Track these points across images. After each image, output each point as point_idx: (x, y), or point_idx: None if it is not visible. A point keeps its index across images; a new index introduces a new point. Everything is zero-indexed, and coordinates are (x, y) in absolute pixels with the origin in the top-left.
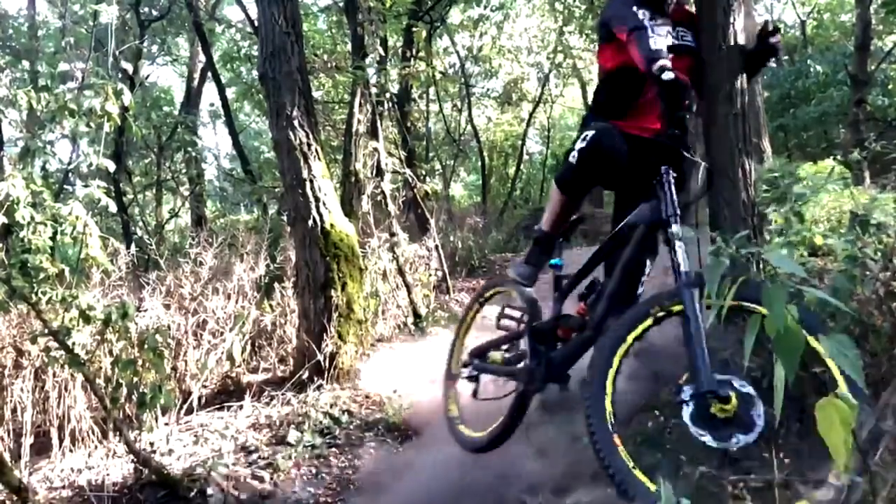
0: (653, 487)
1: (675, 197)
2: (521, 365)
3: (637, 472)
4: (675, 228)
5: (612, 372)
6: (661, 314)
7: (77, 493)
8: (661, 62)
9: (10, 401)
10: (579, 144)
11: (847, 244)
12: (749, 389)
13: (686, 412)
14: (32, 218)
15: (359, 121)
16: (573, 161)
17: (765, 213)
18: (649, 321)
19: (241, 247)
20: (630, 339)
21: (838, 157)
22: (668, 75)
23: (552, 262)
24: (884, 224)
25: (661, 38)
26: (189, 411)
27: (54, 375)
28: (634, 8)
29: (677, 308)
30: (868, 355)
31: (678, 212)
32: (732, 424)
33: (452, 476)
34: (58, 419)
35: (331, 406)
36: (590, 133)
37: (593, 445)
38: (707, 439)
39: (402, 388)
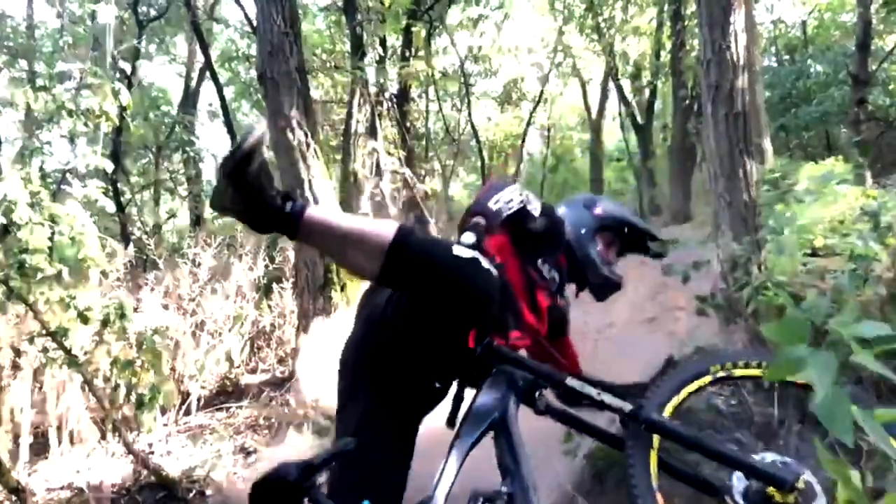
0: None
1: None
2: None
3: None
4: None
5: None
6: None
7: (75, 493)
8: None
9: (9, 401)
10: None
11: (856, 243)
12: (810, 478)
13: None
14: (30, 218)
15: (358, 121)
16: None
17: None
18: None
19: (240, 247)
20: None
21: (839, 157)
22: None
23: None
24: (892, 225)
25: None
26: (188, 412)
27: (52, 376)
28: None
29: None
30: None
31: None
32: None
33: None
34: (56, 420)
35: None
36: None
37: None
38: None
39: None
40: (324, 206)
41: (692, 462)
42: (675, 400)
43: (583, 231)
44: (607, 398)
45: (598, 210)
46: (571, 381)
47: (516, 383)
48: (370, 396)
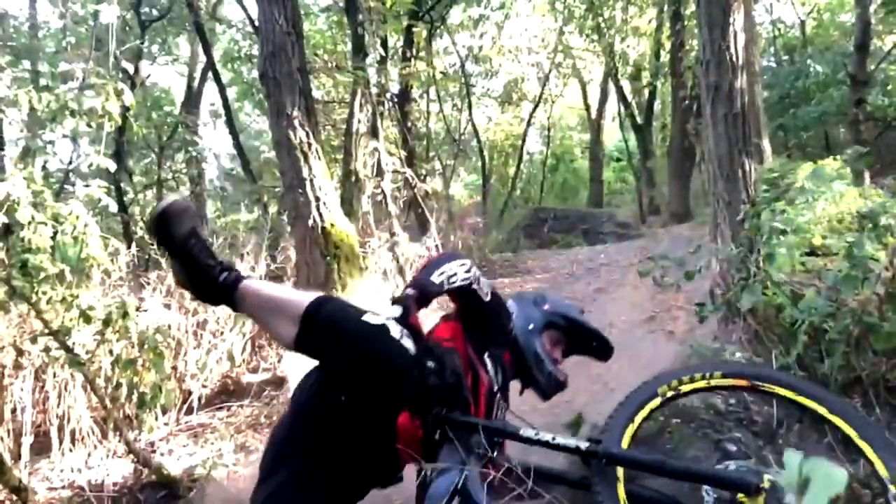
0: None
1: None
2: None
3: None
4: None
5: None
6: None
7: (77, 492)
8: None
9: (11, 401)
10: None
11: (851, 244)
12: (775, 477)
13: None
14: (33, 218)
15: (359, 120)
16: None
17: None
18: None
19: (242, 246)
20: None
21: (838, 156)
22: None
23: None
24: (891, 226)
25: None
26: (189, 411)
27: (54, 375)
28: None
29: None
30: (869, 355)
31: None
32: None
33: None
34: (58, 419)
35: None
36: None
37: None
38: None
39: None
40: (257, 279)
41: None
42: (631, 429)
43: (530, 327)
44: (563, 441)
45: (546, 307)
46: (526, 432)
47: (472, 448)
48: (296, 466)
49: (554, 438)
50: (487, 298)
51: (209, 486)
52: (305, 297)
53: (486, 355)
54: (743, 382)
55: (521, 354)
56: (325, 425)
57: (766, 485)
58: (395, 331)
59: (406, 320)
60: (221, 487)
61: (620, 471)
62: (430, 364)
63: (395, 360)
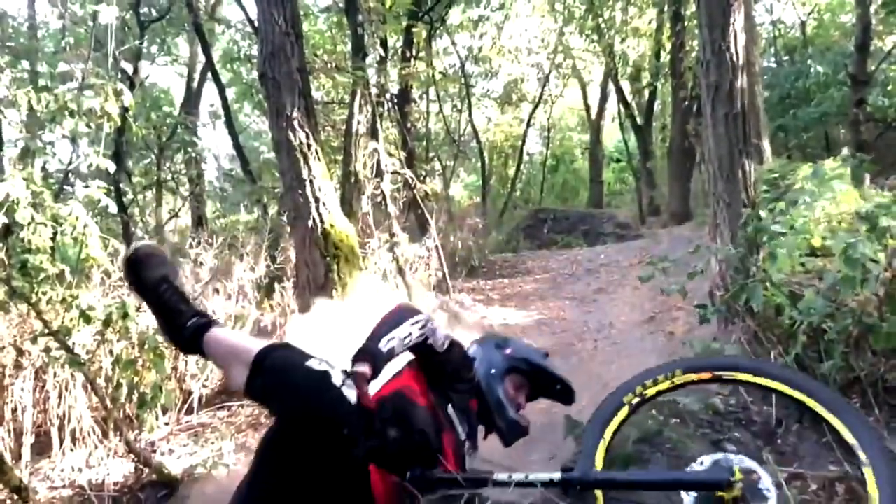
0: None
1: None
2: None
3: None
4: None
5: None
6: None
7: (77, 492)
8: None
9: (11, 401)
10: None
11: (847, 245)
12: (748, 463)
13: None
14: (33, 218)
15: (359, 121)
16: None
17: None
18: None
19: (241, 247)
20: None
21: (838, 157)
22: None
23: None
24: (890, 227)
25: None
26: (189, 411)
27: (55, 375)
28: None
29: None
30: (869, 355)
31: None
32: None
33: None
34: (58, 419)
35: None
36: None
37: None
38: None
39: None
40: (225, 327)
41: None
42: (602, 445)
43: (493, 372)
44: (536, 476)
45: (509, 351)
46: (499, 476)
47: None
48: None
49: (527, 476)
50: (443, 349)
51: (209, 486)
52: (258, 345)
53: (450, 406)
54: (706, 375)
55: (484, 400)
56: (282, 471)
57: (737, 476)
58: (337, 378)
59: (361, 400)
60: (222, 487)
61: (599, 493)
62: (387, 419)
63: (332, 408)
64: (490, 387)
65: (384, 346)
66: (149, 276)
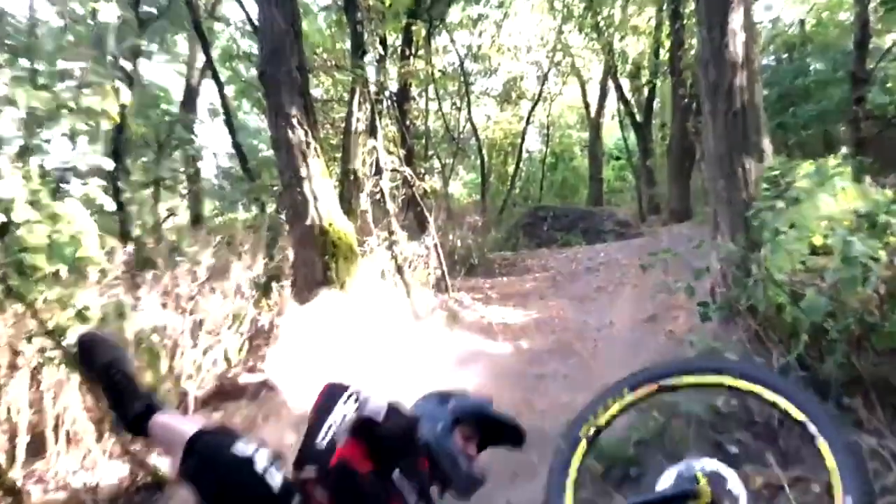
0: None
1: None
2: None
3: None
4: None
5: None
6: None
7: (72, 494)
8: None
9: (5, 401)
10: None
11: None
12: (713, 466)
13: None
14: (29, 217)
15: (358, 119)
16: None
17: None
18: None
19: (239, 245)
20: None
21: (838, 155)
22: None
23: None
24: (891, 224)
25: None
26: (185, 411)
27: (50, 376)
28: None
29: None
30: (870, 354)
31: None
32: None
33: None
34: (53, 420)
35: None
36: None
37: None
38: None
39: None
40: (169, 411)
41: None
42: (570, 485)
43: (440, 427)
44: None
45: (453, 403)
46: None
47: None
48: None
49: None
50: (381, 418)
51: None
52: (193, 428)
53: (396, 471)
54: (652, 388)
55: (435, 457)
56: None
57: (702, 483)
58: (261, 464)
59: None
60: None
61: None
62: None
63: (253, 494)
64: (439, 443)
65: (324, 439)
66: (97, 362)
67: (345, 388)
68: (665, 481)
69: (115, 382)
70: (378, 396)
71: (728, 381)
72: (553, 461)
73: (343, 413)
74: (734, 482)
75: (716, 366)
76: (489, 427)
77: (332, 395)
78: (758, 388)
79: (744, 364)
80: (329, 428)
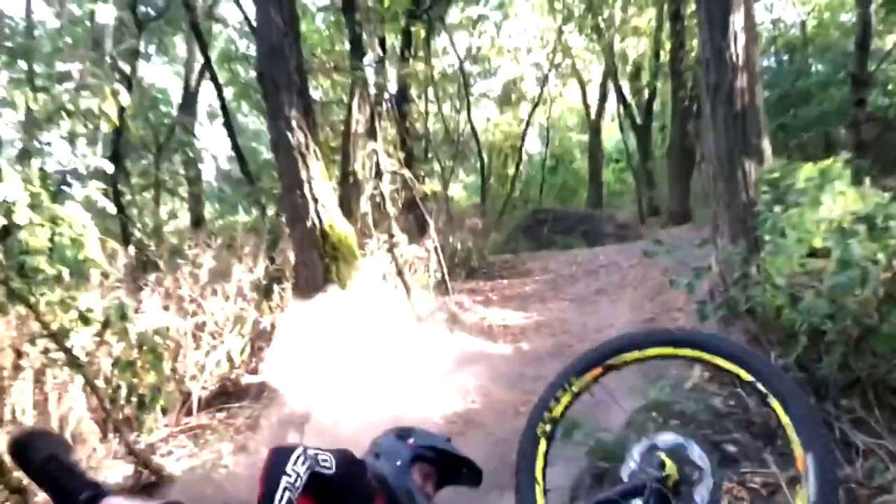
0: None
1: None
2: None
3: None
4: None
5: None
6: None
7: None
8: None
9: (10, 403)
10: None
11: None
12: (674, 439)
13: None
14: (30, 219)
15: (357, 121)
16: None
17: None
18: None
19: (240, 248)
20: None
21: (839, 157)
22: None
23: None
24: (890, 227)
25: None
26: (188, 412)
27: (54, 377)
28: None
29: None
30: (868, 356)
31: None
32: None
33: None
34: (58, 421)
35: None
36: None
37: None
38: None
39: None
40: (117, 496)
41: None
42: (538, 490)
43: (398, 464)
44: None
45: (411, 441)
46: None
47: None
48: None
49: None
50: (332, 472)
51: (209, 487)
52: None
53: None
54: (597, 371)
55: (393, 494)
56: None
57: (668, 466)
58: None
59: None
60: (221, 488)
61: None
62: None
63: None
64: (397, 480)
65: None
66: (34, 459)
67: (291, 450)
68: (629, 464)
69: (54, 479)
70: (324, 452)
71: (669, 350)
72: (518, 463)
73: (296, 473)
74: (697, 453)
75: (660, 338)
76: (448, 465)
77: (279, 458)
78: (703, 354)
79: (686, 332)
80: (284, 492)
